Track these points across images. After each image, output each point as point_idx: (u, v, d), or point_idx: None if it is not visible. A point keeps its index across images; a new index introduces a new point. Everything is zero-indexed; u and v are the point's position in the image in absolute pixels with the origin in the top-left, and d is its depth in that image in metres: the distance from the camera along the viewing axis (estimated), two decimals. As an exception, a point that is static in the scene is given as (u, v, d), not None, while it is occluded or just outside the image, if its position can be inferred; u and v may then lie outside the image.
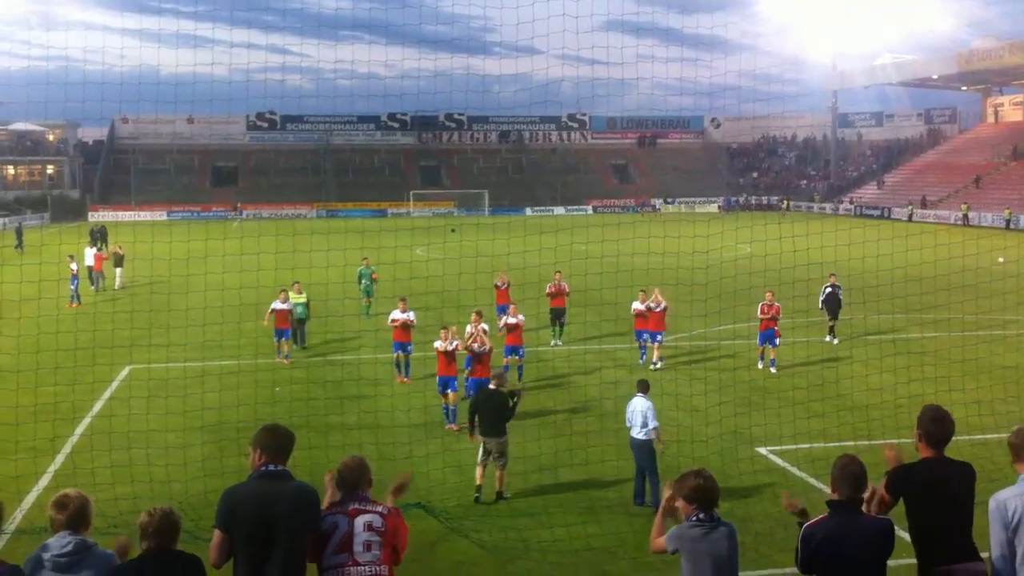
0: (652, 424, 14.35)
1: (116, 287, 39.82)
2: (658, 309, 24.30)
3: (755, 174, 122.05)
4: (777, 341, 23.93)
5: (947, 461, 7.10)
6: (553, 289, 26.97)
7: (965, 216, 79.84)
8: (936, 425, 7.08)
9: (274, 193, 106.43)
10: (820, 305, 27.57)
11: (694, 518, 6.68)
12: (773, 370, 23.55)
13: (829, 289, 27.39)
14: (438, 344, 19.34)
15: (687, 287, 24.70)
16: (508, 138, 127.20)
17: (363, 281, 32.56)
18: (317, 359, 25.39)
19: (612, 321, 25.90)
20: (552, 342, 26.93)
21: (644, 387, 14.96)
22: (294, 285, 26.16)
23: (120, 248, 41.74)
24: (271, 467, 6.61)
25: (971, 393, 17.63)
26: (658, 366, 23.89)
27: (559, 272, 27.10)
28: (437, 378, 19.49)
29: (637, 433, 14.45)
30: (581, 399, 20.90)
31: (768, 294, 23.92)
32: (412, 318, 22.66)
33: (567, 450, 16.37)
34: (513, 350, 22.63)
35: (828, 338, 27.50)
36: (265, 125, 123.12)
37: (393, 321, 22.70)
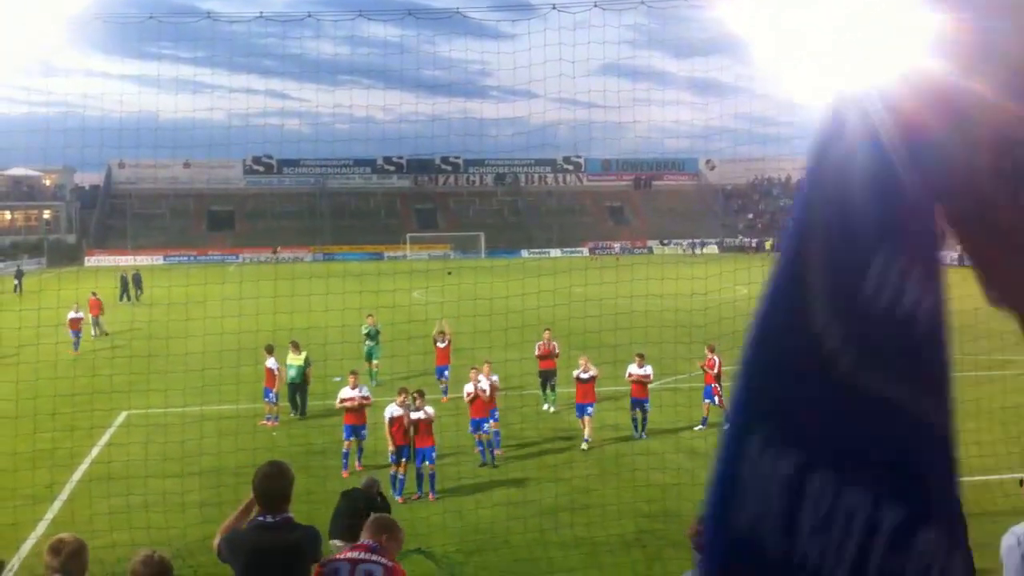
0: None
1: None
2: (586, 377, 21.17)
3: (750, 215, 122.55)
4: (715, 399, 21.87)
5: None
6: (543, 350, 24.52)
7: (961, 256, 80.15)
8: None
9: (271, 237, 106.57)
10: None
11: None
12: (699, 428, 21.78)
13: None
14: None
15: (685, 329, 24.70)
16: (504, 181, 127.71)
17: (368, 342, 28.56)
18: (316, 414, 25.10)
19: (610, 364, 25.81)
20: (544, 406, 24.43)
21: None
22: (291, 345, 24.25)
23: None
24: (267, 518, 6.41)
25: (971, 434, 17.56)
26: (583, 447, 20.60)
27: (548, 330, 24.79)
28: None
29: None
30: (580, 443, 20.80)
31: (707, 348, 22.55)
32: (367, 394, 19.72)
33: (566, 494, 16.31)
34: (477, 425, 19.43)
35: None
36: (261, 169, 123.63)
37: (343, 401, 19.39)
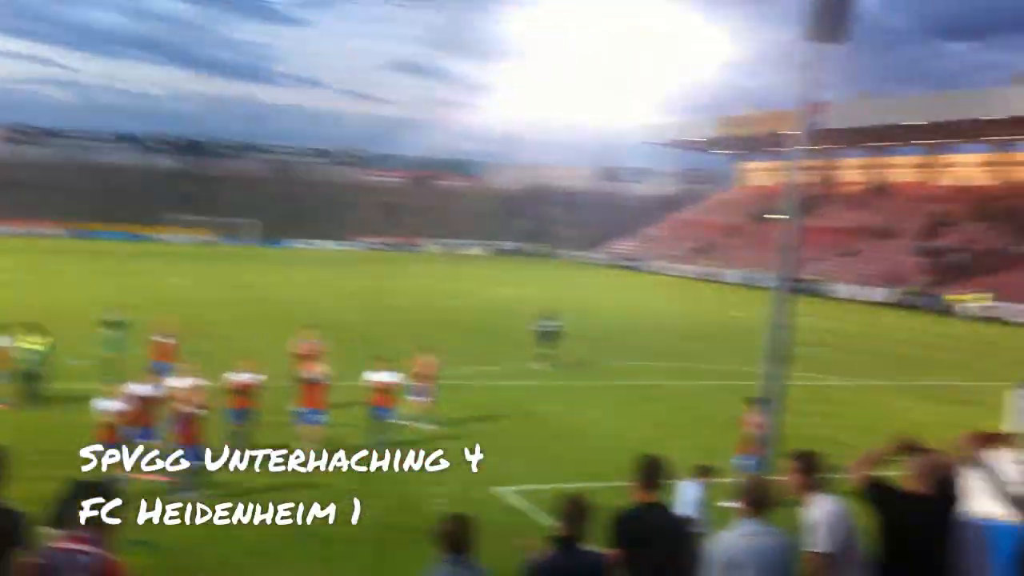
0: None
1: None
2: (311, 377, 18.54)
3: (524, 220, 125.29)
4: (422, 397, 21.21)
5: (661, 508, 7.57)
6: (304, 349, 22.08)
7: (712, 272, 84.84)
8: (650, 470, 7.56)
9: (23, 209, 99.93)
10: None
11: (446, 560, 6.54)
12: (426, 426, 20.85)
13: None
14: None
15: (448, 327, 25.04)
16: (282, 168, 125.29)
17: (108, 331, 24.89)
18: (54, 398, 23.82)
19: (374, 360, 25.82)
20: None
21: (700, 471, 12.47)
22: (25, 326, 21.82)
23: None
24: None
25: (695, 439, 18.74)
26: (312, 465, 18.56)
27: (310, 328, 23.75)
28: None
29: None
30: (334, 435, 20.63)
31: (418, 350, 21.98)
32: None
33: (320, 497, 16.24)
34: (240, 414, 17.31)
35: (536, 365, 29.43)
36: (23, 138, 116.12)
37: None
